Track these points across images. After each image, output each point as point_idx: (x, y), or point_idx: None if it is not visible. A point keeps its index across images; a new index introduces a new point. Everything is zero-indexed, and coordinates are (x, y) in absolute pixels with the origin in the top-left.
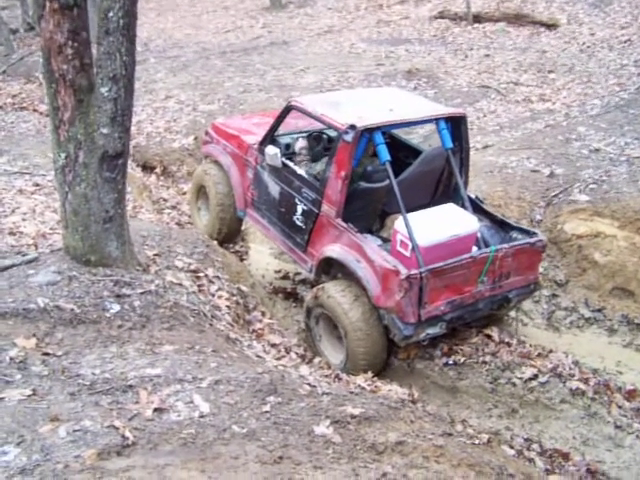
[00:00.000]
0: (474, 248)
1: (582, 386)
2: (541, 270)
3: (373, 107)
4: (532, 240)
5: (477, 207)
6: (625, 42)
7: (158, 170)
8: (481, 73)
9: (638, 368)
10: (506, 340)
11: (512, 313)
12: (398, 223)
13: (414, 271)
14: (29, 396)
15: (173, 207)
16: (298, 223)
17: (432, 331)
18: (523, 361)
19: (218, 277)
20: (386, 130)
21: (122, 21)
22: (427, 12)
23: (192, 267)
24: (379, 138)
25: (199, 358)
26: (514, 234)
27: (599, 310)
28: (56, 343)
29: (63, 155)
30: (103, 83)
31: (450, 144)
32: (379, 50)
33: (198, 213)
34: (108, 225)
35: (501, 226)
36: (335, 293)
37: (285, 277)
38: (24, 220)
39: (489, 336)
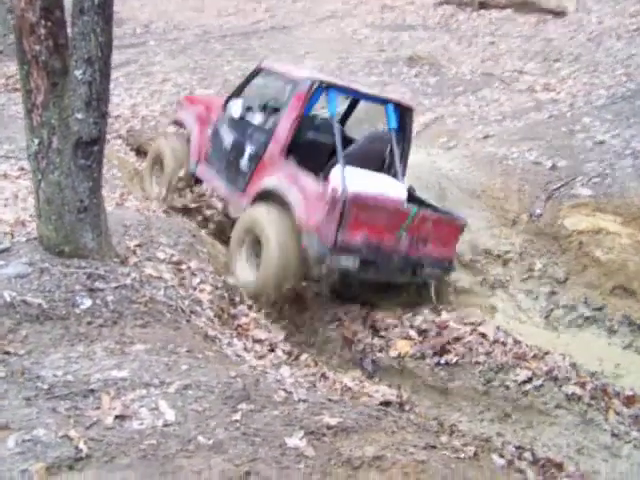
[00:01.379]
0: None
1: (578, 391)
2: (540, 266)
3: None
4: (453, 216)
5: (411, 196)
6: (634, 31)
7: None
8: (485, 61)
9: (638, 371)
10: (501, 340)
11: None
12: (334, 172)
13: (339, 193)
14: None
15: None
16: (243, 168)
17: (345, 263)
18: (518, 362)
19: (202, 269)
20: (340, 92)
21: None
22: None
23: (174, 259)
24: (332, 95)
25: (170, 359)
26: None
27: (599, 309)
28: (19, 341)
29: (36, 141)
30: (77, 65)
31: (395, 125)
32: (382, 36)
33: (150, 180)
34: (83, 215)
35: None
36: (262, 212)
37: None
38: (5, 206)
39: (484, 335)
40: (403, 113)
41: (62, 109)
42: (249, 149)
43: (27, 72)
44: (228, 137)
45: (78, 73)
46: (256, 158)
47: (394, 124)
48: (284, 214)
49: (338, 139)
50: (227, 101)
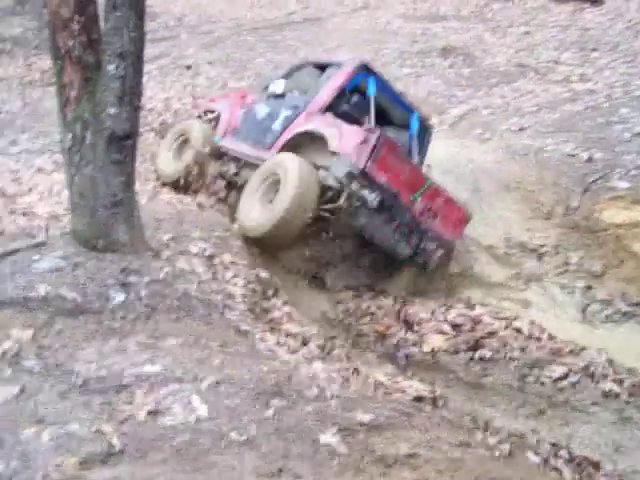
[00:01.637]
0: None
1: (616, 388)
2: (576, 260)
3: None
4: (462, 203)
5: None
6: None
7: None
8: (520, 51)
9: None
10: (536, 335)
11: None
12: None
13: (374, 131)
14: (16, 395)
15: None
16: (274, 128)
17: (365, 195)
18: (553, 358)
19: (235, 263)
20: (379, 83)
21: None
22: None
23: (207, 252)
24: (372, 81)
25: (203, 354)
26: None
27: (637, 304)
28: (54, 335)
29: (70, 135)
30: (110, 60)
31: (415, 132)
32: (415, 27)
33: (167, 157)
34: (116, 209)
35: None
36: (287, 155)
37: (310, 260)
38: (40, 200)
39: (518, 329)
40: (425, 126)
41: (95, 104)
42: (285, 113)
43: (61, 67)
44: (263, 110)
45: (111, 68)
46: (291, 118)
47: (415, 131)
48: (307, 162)
49: (371, 114)
50: (267, 86)
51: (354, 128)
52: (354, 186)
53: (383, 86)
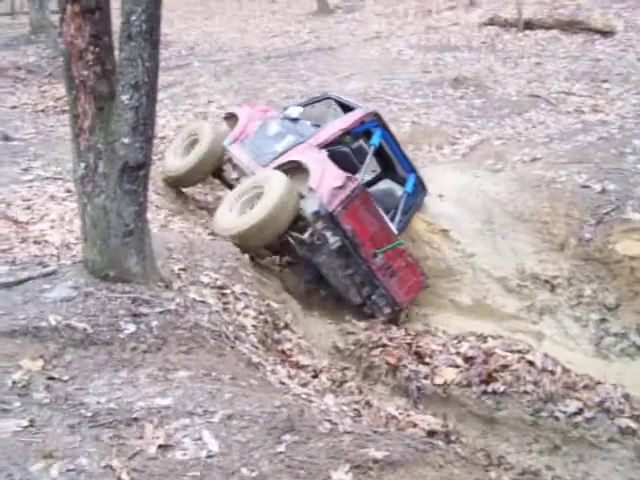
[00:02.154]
0: None
1: (632, 424)
2: (589, 292)
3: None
4: (423, 272)
5: None
6: None
7: None
8: (531, 82)
9: None
10: (550, 368)
11: None
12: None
13: (355, 180)
14: (25, 427)
15: (207, 215)
16: (276, 148)
17: (329, 237)
18: (568, 392)
19: (246, 293)
20: (385, 135)
21: (145, 25)
22: (477, 18)
23: (219, 283)
24: (378, 132)
25: (214, 387)
26: None
27: None
28: (64, 366)
29: (82, 165)
30: (124, 90)
31: (410, 189)
32: (426, 57)
33: (174, 154)
34: (128, 239)
35: None
36: (278, 173)
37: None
38: (52, 228)
39: (531, 363)
40: (421, 188)
41: (109, 134)
42: (289, 138)
43: (75, 97)
44: (274, 128)
45: (125, 98)
46: (294, 144)
47: (410, 189)
48: (295, 184)
49: (367, 163)
50: (286, 107)
51: (337, 172)
52: (319, 225)
53: (389, 139)
